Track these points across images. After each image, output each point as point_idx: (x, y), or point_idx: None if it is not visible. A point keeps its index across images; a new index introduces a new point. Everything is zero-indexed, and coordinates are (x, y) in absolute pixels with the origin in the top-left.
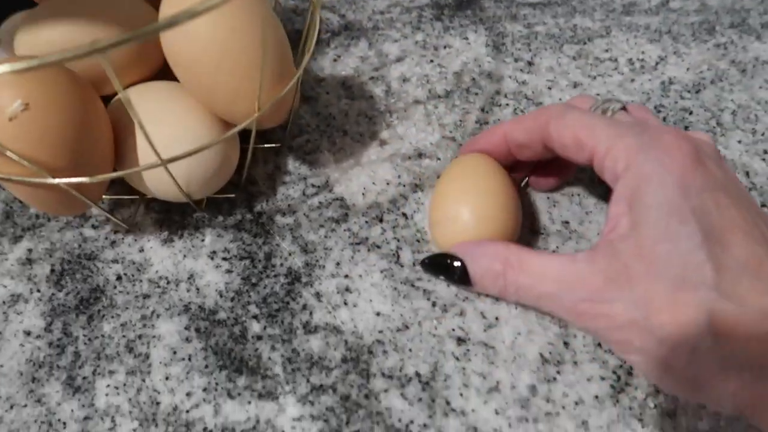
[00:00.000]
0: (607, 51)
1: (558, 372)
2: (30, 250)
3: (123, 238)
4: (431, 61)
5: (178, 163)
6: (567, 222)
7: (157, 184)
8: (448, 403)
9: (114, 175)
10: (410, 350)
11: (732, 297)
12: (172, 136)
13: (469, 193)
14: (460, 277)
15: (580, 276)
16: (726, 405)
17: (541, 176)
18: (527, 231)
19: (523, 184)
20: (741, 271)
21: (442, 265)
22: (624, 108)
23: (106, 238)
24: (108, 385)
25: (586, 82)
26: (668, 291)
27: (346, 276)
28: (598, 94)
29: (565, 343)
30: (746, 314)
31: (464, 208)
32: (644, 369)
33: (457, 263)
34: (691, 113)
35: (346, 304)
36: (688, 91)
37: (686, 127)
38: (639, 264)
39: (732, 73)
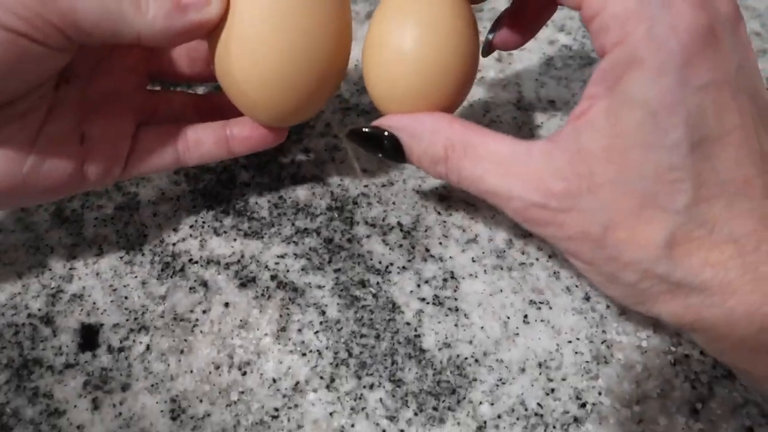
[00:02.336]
0: None
1: None
2: None
3: None
4: None
5: None
6: (553, 101)
7: None
8: (427, 250)
9: None
10: (394, 203)
11: (703, 221)
12: None
13: (411, 28)
14: (392, 153)
15: (536, 175)
16: (666, 319)
17: (508, 32)
18: (512, 107)
19: (484, 47)
20: (720, 191)
21: (369, 138)
22: None
23: None
24: (96, 218)
25: None
26: (633, 207)
27: (335, 136)
28: None
29: None
30: (710, 239)
31: (404, 50)
32: (588, 276)
33: (387, 138)
34: None
35: (333, 160)
36: None
37: None
38: (606, 170)
39: None
